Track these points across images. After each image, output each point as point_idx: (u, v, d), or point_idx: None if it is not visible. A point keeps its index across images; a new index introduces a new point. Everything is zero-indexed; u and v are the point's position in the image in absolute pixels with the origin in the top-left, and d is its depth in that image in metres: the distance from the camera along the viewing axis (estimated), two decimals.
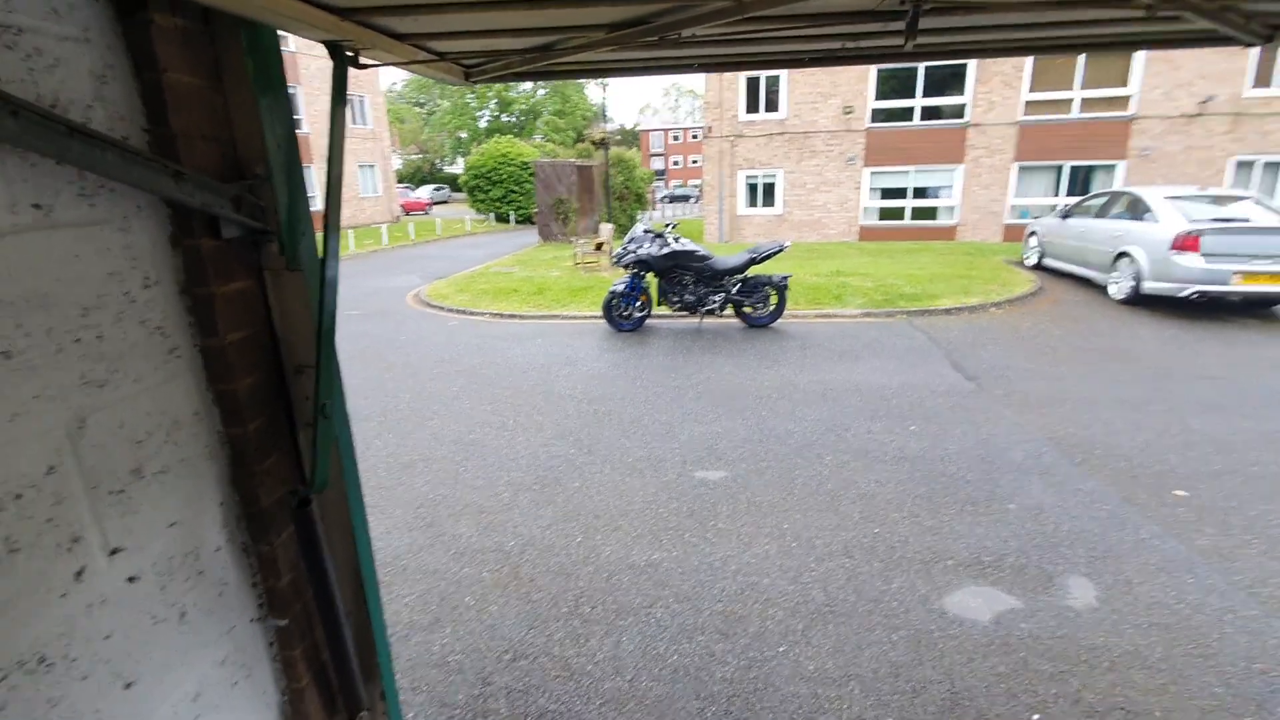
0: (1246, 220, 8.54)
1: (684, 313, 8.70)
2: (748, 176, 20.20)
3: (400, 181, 44.95)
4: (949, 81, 18.28)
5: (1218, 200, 9.22)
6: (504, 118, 55.47)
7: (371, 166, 31.13)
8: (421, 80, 58.34)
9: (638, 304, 8.64)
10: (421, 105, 60.85)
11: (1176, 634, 2.80)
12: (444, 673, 2.67)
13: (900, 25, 1.43)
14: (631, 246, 8.55)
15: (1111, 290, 9.59)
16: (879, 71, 18.46)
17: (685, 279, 8.52)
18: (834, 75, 18.52)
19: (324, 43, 1.33)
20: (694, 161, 64.97)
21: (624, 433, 5.15)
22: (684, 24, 1.38)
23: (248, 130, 1.27)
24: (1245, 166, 16.92)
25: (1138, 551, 3.41)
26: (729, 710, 2.44)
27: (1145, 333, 7.87)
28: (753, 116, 19.65)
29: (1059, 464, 4.43)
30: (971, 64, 17.72)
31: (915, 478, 4.27)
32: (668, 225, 8.98)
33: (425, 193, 44.65)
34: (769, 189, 20.20)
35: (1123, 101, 17.20)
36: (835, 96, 18.83)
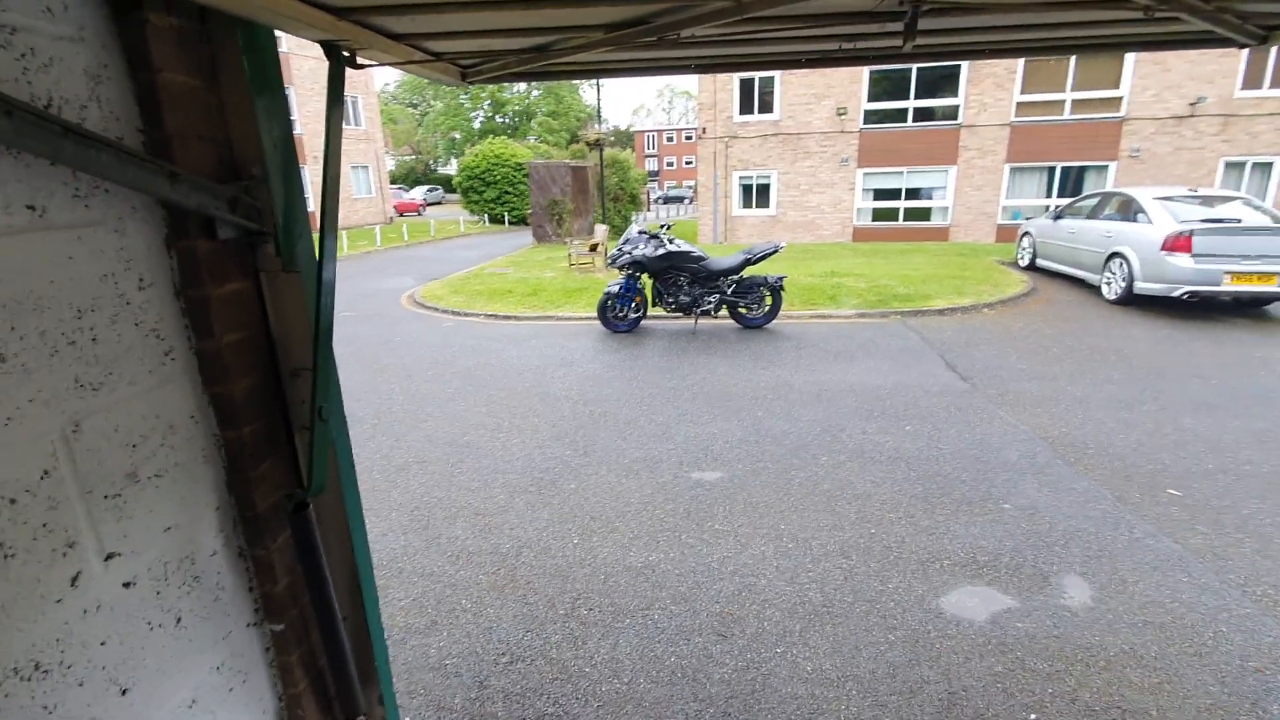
0: (1237, 221, 8.61)
1: (679, 314, 8.70)
2: (742, 178, 20.23)
3: (394, 182, 44.81)
4: (941, 83, 18.37)
5: (1208, 201, 9.29)
6: (498, 119, 55.40)
7: (365, 167, 31.02)
8: (415, 81, 58.23)
9: (633, 305, 8.63)
10: (415, 106, 60.71)
11: (1171, 633, 2.81)
12: (441, 676, 2.66)
13: (899, 26, 1.43)
14: (626, 248, 8.54)
15: (1104, 290, 9.65)
16: (872, 73, 18.53)
17: (680, 280, 8.52)
18: (828, 77, 18.58)
19: (320, 42, 1.33)
20: (688, 162, 65.03)
21: (620, 434, 5.14)
22: (683, 24, 1.38)
23: (244, 131, 1.26)
24: (1235, 167, 17.06)
25: (1132, 550, 3.42)
26: (727, 712, 2.44)
27: (1137, 333, 7.92)
28: (747, 118, 19.69)
29: (1053, 463, 4.45)
30: (964, 66, 17.82)
31: (911, 478, 4.28)
32: (662, 226, 8.98)
33: (419, 194, 44.53)
34: (763, 190, 20.24)
35: (1114, 103, 17.32)
36: (829, 98, 18.89)
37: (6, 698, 0.88)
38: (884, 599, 3.08)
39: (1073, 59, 17.20)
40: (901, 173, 19.15)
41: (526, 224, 26.87)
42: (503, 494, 4.20)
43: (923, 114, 18.68)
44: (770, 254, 8.52)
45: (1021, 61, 17.44)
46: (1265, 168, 16.89)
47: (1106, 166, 17.73)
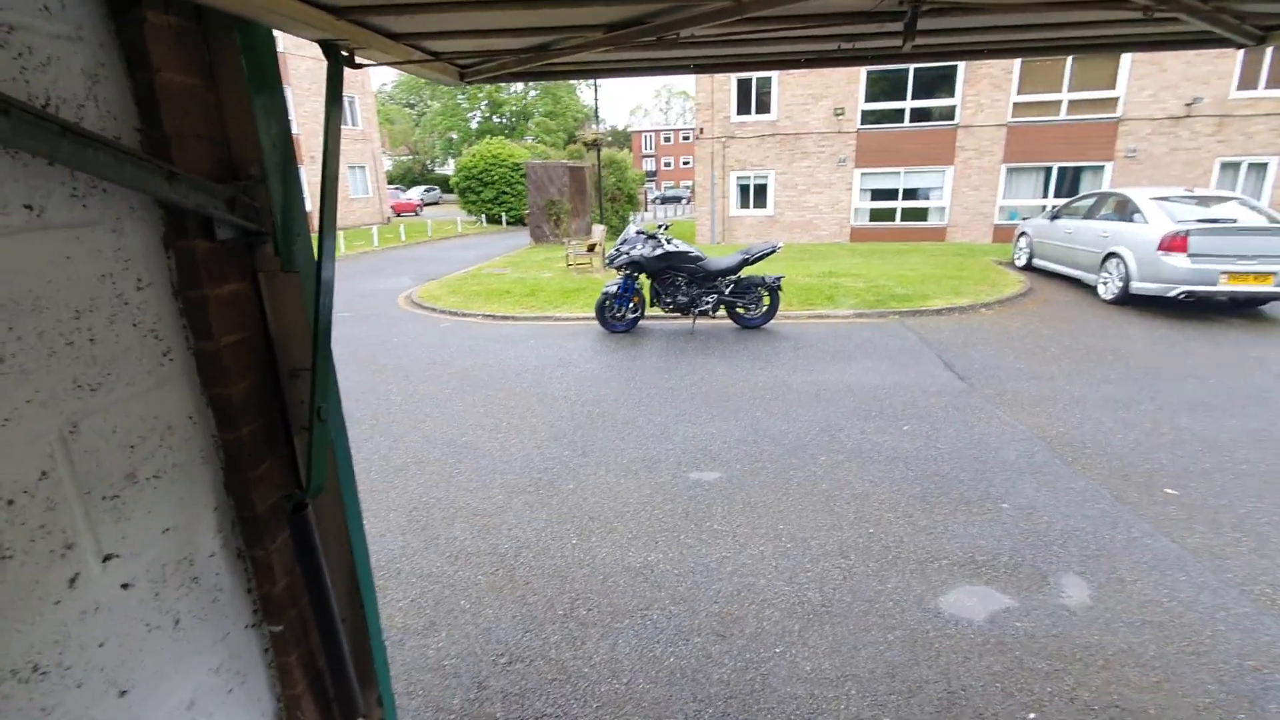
0: (1233, 221, 8.64)
1: (677, 314, 8.70)
2: (739, 178, 20.25)
3: (391, 183, 44.76)
4: (938, 84, 18.40)
5: (1204, 201, 9.32)
6: (495, 119, 55.36)
7: (362, 168, 30.99)
8: (411, 81, 58.15)
9: (631, 305, 8.63)
10: (412, 106, 60.65)
11: (1169, 632, 2.82)
12: (439, 677, 2.65)
13: (898, 26, 1.43)
14: (624, 248, 8.54)
15: (1100, 290, 9.68)
16: (869, 73, 18.56)
17: (678, 280, 8.52)
18: (825, 77, 18.61)
19: (319, 42, 1.32)
20: (685, 163, 65.06)
21: (618, 434, 5.14)
22: (682, 24, 1.38)
23: (242, 130, 1.25)
24: (1230, 168, 17.12)
25: (1130, 550, 3.43)
26: (726, 712, 2.44)
27: (1134, 332, 7.94)
28: (744, 118, 19.71)
29: (1051, 463, 4.45)
30: (960, 66, 17.85)
31: (909, 478, 4.29)
32: (660, 226, 8.98)
33: (416, 194, 44.50)
34: (760, 190, 20.25)
35: (1110, 103, 17.37)
36: (826, 98, 18.91)
37: (5, 700, 0.87)
38: (883, 598, 3.08)
39: (1069, 60, 17.25)
40: (899, 173, 19.18)
41: (524, 224, 26.87)
42: (501, 494, 4.20)
43: (920, 114, 18.71)
44: (768, 254, 8.53)
45: (1018, 62, 17.48)
46: (1260, 168, 16.95)
47: (1103, 167, 17.78)
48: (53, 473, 0.95)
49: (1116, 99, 17.26)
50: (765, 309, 8.63)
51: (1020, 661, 2.66)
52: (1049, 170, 18.21)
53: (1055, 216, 11.67)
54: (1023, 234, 12.85)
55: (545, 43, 1.63)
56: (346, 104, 29.79)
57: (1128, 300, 9.13)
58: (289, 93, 24.11)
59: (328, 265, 1.31)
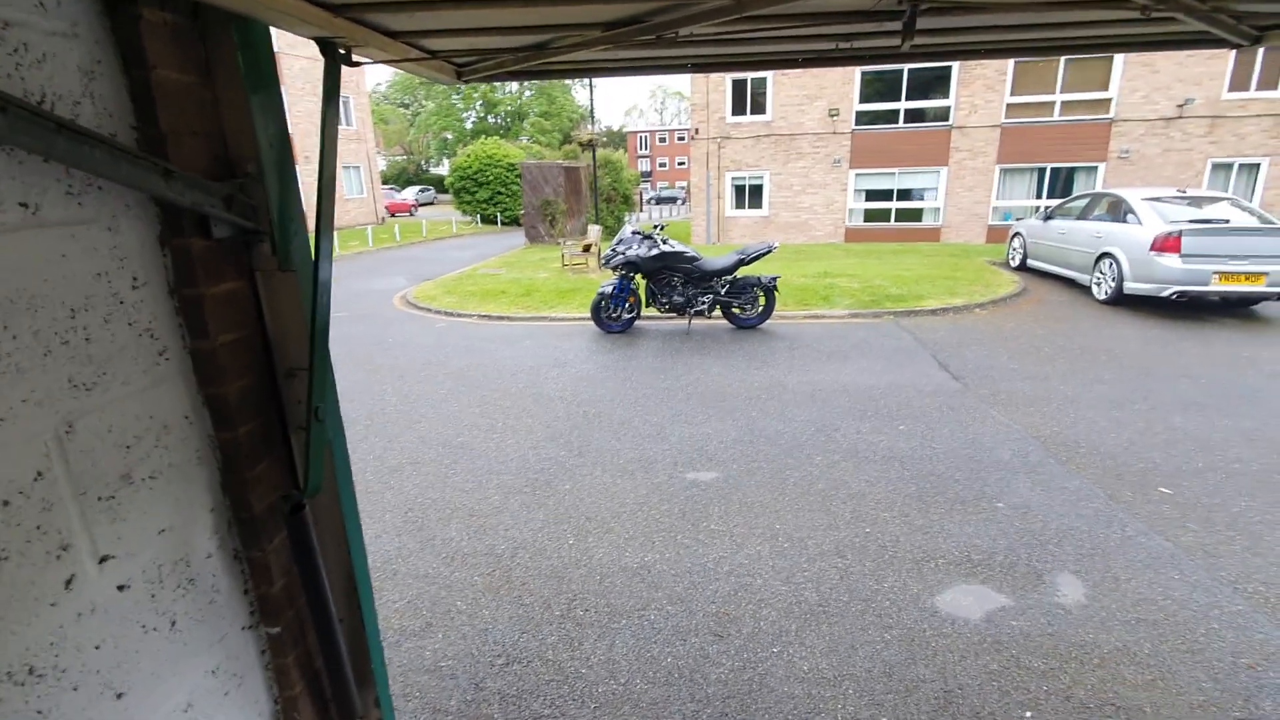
0: (1225, 221, 8.70)
1: (673, 314, 8.70)
2: (734, 178, 20.27)
3: (385, 183, 44.63)
4: (933, 84, 18.47)
5: (1196, 202, 9.38)
6: (490, 119, 55.29)
7: (356, 168, 30.88)
8: (406, 81, 58.03)
9: (626, 305, 8.62)
10: (406, 106, 60.52)
11: (1164, 630, 2.83)
12: (436, 678, 2.65)
13: (897, 25, 1.44)
14: (620, 248, 8.53)
15: (1094, 291, 9.72)
16: (864, 74, 18.61)
17: (674, 280, 8.53)
18: (820, 78, 18.66)
19: (316, 39, 1.32)
20: (680, 163, 65.10)
21: (614, 434, 5.14)
22: (681, 22, 1.37)
23: (239, 128, 1.24)
24: (1222, 168, 17.23)
25: (1124, 548, 3.44)
26: (724, 712, 2.44)
27: (1127, 332, 7.98)
28: (739, 118, 19.73)
29: (1045, 462, 4.47)
30: (955, 67, 17.92)
31: (905, 477, 4.29)
32: (656, 227, 8.98)
33: (410, 194, 44.39)
34: (756, 191, 20.29)
35: (1103, 104, 17.46)
36: (821, 99, 18.95)
37: (0, 703, 0.86)
38: (879, 598, 3.09)
39: (1062, 61, 17.34)
40: (893, 174, 19.24)
41: (519, 225, 26.82)
42: (497, 495, 4.19)
43: (914, 115, 18.77)
44: (763, 254, 8.54)
45: (1011, 63, 17.57)
46: (1252, 169, 17.07)
47: (1096, 168, 17.87)
48: (48, 473, 0.94)
49: (1109, 100, 17.36)
50: (761, 309, 8.65)
51: (1016, 660, 2.67)
52: (1042, 171, 18.30)
53: (1049, 217, 11.72)
54: (1016, 234, 12.90)
55: (543, 41, 1.62)
56: (341, 103, 29.70)
57: (1121, 300, 9.17)
58: (284, 93, 24.00)
59: (324, 265, 1.30)
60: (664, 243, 8.51)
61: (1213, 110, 16.81)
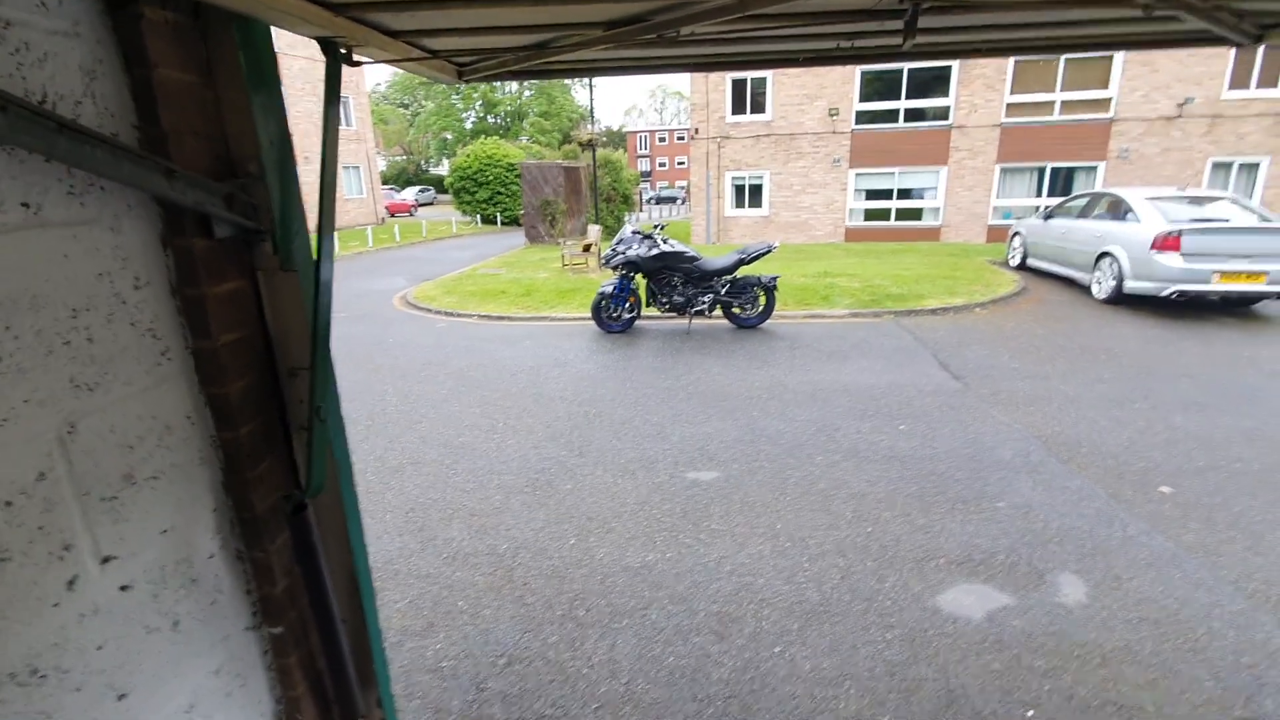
0: (1226, 220, 8.69)
1: (673, 314, 8.70)
2: (734, 178, 20.27)
3: (385, 183, 44.64)
4: (932, 84, 18.46)
5: (1197, 201, 9.37)
6: (489, 119, 55.30)
7: (356, 168, 30.88)
8: (405, 81, 58.04)
9: (626, 305, 8.62)
10: (406, 106, 60.52)
11: (1166, 629, 2.83)
12: (438, 678, 2.64)
13: (898, 24, 1.43)
14: (620, 248, 8.53)
15: (1094, 290, 9.72)
16: (864, 74, 18.62)
17: (674, 280, 8.52)
18: (820, 77, 18.66)
19: (317, 39, 1.31)
20: (680, 163, 65.10)
21: (615, 434, 5.13)
22: (683, 21, 1.37)
23: (240, 127, 1.24)
24: (1222, 167, 17.23)
25: (1126, 548, 3.44)
26: (726, 712, 2.44)
27: (1127, 331, 7.98)
28: (739, 118, 19.73)
29: (1046, 462, 4.47)
30: (954, 67, 17.92)
31: (906, 477, 4.29)
32: (656, 226, 8.97)
33: (410, 194, 44.39)
34: (755, 190, 20.29)
35: (1103, 104, 17.46)
36: (821, 99, 18.95)
37: (3, 704, 0.86)
38: (881, 597, 3.09)
39: (1062, 60, 17.35)
40: (893, 173, 19.24)
41: (519, 225, 26.82)
42: (498, 495, 4.18)
43: (914, 115, 18.77)
44: (764, 254, 8.54)
45: (1011, 62, 17.57)
46: (1251, 168, 17.07)
47: (1095, 167, 17.87)
48: (50, 473, 0.94)
49: (1109, 99, 17.36)
50: (761, 309, 8.64)
51: (1018, 659, 2.67)
52: (1042, 170, 18.30)
53: (1049, 216, 11.72)
54: (1016, 234, 12.89)
55: (545, 40, 1.62)
56: (341, 103, 29.70)
57: (1121, 300, 9.17)
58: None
59: (326, 264, 1.30)
60: (664, 242, 8.50)
61: (1212, 109, 16.81)
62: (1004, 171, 18.50)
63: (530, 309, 10.12)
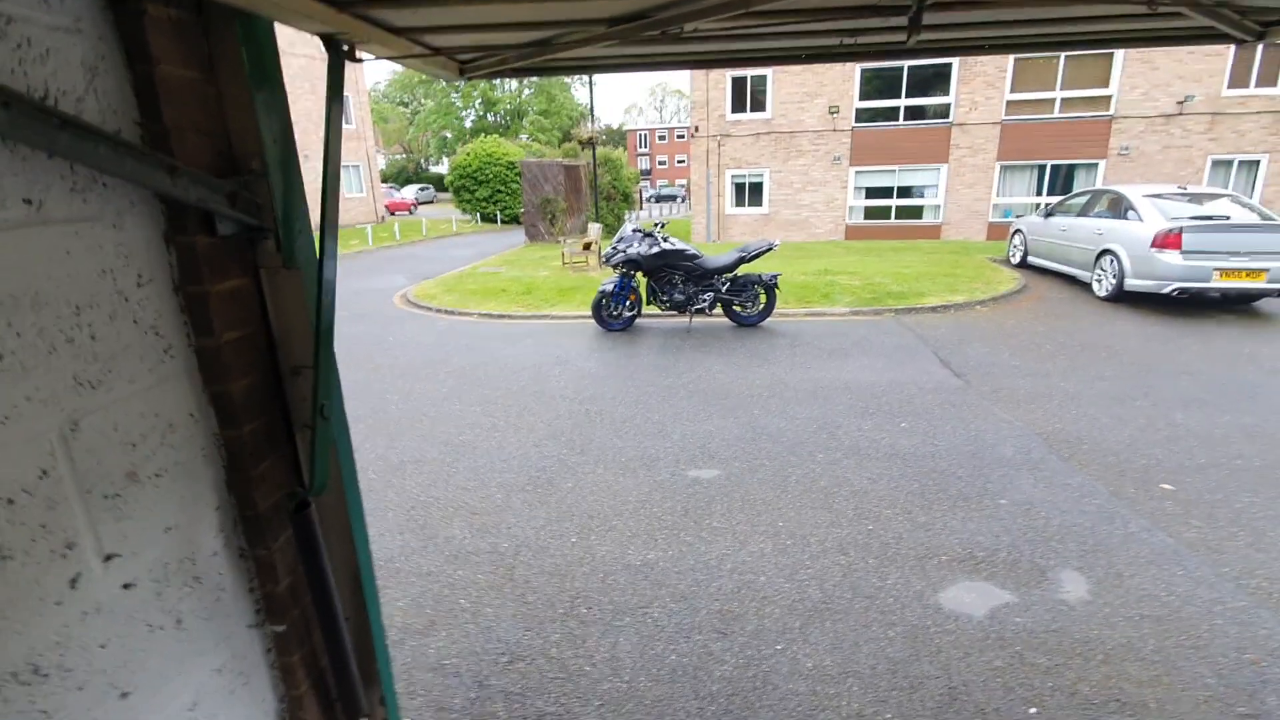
0: (1226, 218, 8.69)
1: (674, 312, 8.70)
2: (734, 176, 20.26)
3: (385, 181, 44.60)
4: (933, 82, 18.45)
5: (1197, 198, 9.37)
6: (489, 117, 55.23)
7: (356, 166, 30.85)
8: (405, 79, 58.00)
9: (627, 303, 8.62)
10: (405, 105, 60.45)
11: (1168, 626, 2.83)
12: (440, 676, 2.64)
13: (902, 20, 1.43)
14: (621, 246, 8.53)
15: (1094, 287, 9.72)
16: (864, 71, 18.60)
17: (675, 278, 8.52)
18: (820, 75, 18.64)
19: (319, 35, 1.31)
20: (680, 161, 65.06)
21: (616, 432, 5.13)
22: (686, 17, 1.36)
23: (243, 124, 1.24)
24: (1222, 165, 17.22)
25: (1127, 545, 3.44)
26: (728, 709, 2.44)
27: (1128, 329, 7.98)
28: (739, 116, 19.71)
29: (1047, 459, 4.47)
30: (955, 65, 17.90)
31: (907, 474, 4.29)
32: (656, 224, 8.97)
33: (410, 193, 44.33)
34: (756, 188, 20.27)
35: (1103, 101, 17.45)
36: (821, 96, 18.93)
37: (5, 703, 0.86)
38: (883, 595, 3.08)
39: (1062, 58, 17.33)
40: (893, 171, 19.23)
41: (519, 223, 26.81)
42: (500, 493, 4.18)
43: (914, 112, 18.76)
44: (764, 252, 8.53)
45: (1011, 60, 17.56)
46: (1251, 165, 17.06)
47: (1096, 165, 17.86)
48: (53, 471, 0.93)
49: (1109, 97, 17.34)
50: (762, 307, 8.64)
51: (1020, 657, 2.67)
52: (1042, 168, 18.29)
53: (1049, 214, 11.71)
54: (1017, 231, 12.89)
55: (547, 37, 1.61)
56: None
57: (1121, 297, 9.17)
58: None
59: (329, 263, 1.29)
60: (665, 240, 8.50)
61: (1212, 107, 16.80)
62: (1004, 169, 18.49)
63: (531, 307, 10.12)
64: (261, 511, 1.31)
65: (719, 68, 2.04)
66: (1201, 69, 16.59)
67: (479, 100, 54.77)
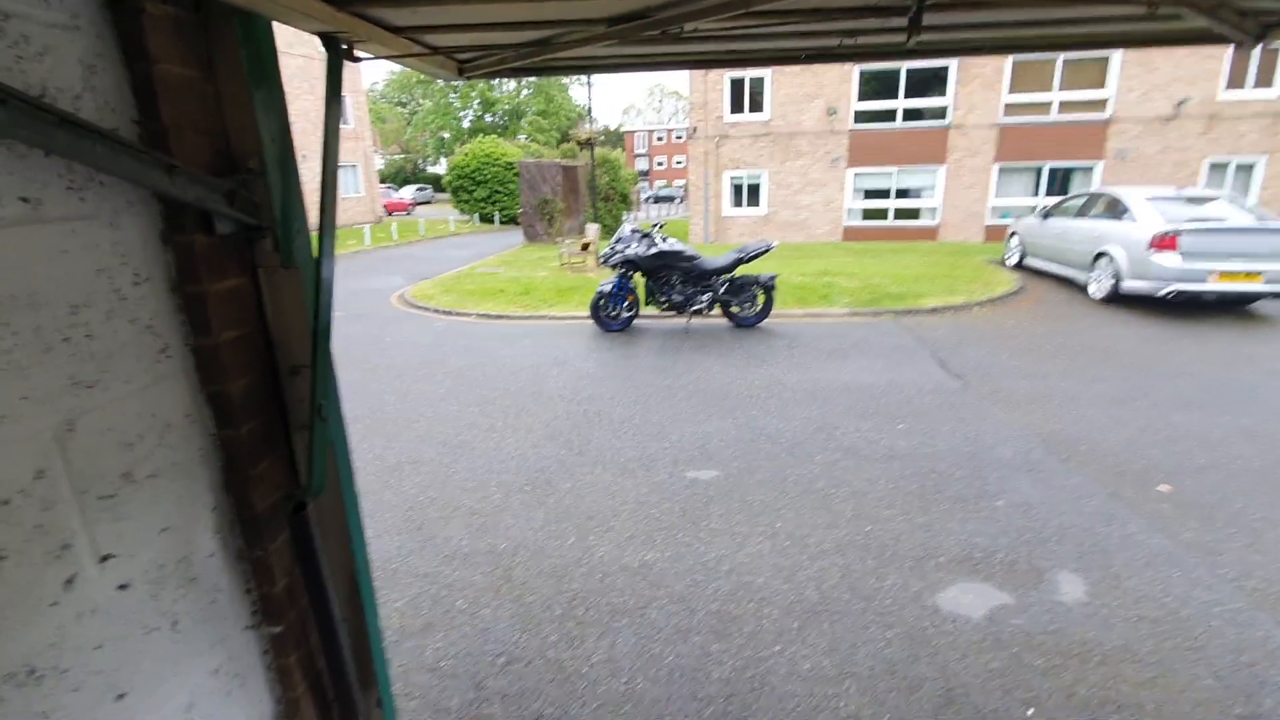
0: (1223, 220, 8.71)
1: (672, 312, 8.69)
2: (733, 177, 20.26)
3: (383, 182, 44.55)
4: (931, 83, 18.47)
5: (1194, 200, 9.39)
6: (487, 118, 55.17)
7: (353, 166, 30.79)
8: (403, 79, 57.94)
9: (625, 304, 8.61)
10: (403, 105, 60.38)
11: (1165, 628, 2.83)
12: (437, 678, 2.64)
13: (902, 21, 1.43)
14: (619, 246, 8.52)
15: (1091, 289, 9.73)
16: (862, 73, 18.62)
17: (673, 279, 8.51)
18: (818, 76, 18.65)
19: (319, 34, 1.30)
20: (678, 162, 65.09)
21: (614, 433, 5.13)
22: (686, 17, 1.36)
23: (241, 123, 1.23)
24: (1219, 168, 17.27)
25: (1125, 546, 3.45)
26: (726, 711, 2.43)
27: (1125, 331, 7.99)
28: (737, 117, 19.72)
29: (1045, 460, 4.47)
30: (953, 66, 17.93)
31: (905, 475, 4.29)
32: (654, 225, 8.97)
33: (408, 193, 44.28)
34: (754, 190, 20.27)
35: (1100, 104, 17.49)
36: (819, 98, 18.95)
37: (2, 704, 0.85)
38: (881, 596, 3.08)
39: (1059, 60, 17.37)
40: (891, 172, 19.25)
41: (517, 223, 26.79)
42: (498, 494, 4.18)
43: (912, 114, 18.78)
44: (762, 253, 8.53)
45: (1009, 62, 17.60)
46: (1248, 168, 17.11)
47: (1093, 166, 17.90)
48: (49, 472, 0.93)
49: (1106, 99, 17.38)
50: (760, 308, 8.64)
51: (1018, 658, 2.67)
52: (1040, 170, 18.32)
53: (1046, 216, 11.74)
54: (1014, 233, 12.91)
55: (546, 37, 1.61)
56: None
57: (1118, 299, 9.19)
58: None
59: (327, 262, 1.29)
60: (663, 241, 8.50)
61: (1209, 109, 16.85)
62: (1002, 171, 18.52)
63: (529, 308, 10.11)
64: (259, 512, 1.31)
65: (718, 68, 2.04)
66: (1198, 71, 16.64)
67: (477, 100, 54.72)
